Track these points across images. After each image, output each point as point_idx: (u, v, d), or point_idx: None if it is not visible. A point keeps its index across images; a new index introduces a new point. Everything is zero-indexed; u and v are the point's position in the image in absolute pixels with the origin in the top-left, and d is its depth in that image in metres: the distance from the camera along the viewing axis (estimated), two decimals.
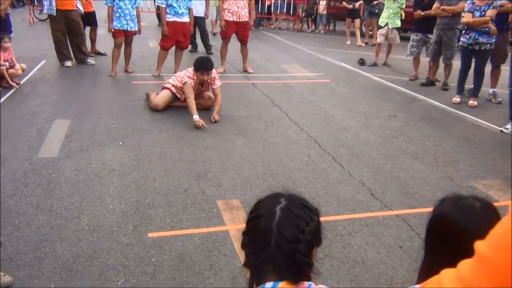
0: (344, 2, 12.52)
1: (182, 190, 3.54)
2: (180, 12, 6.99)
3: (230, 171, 3.92)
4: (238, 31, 7.69)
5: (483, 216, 1.20)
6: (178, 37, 7.12)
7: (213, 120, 5.24)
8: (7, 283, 2.36)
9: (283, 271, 1.07)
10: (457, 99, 6.61)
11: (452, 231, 1.21)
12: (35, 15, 13.54)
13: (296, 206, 1.14)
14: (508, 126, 5.41)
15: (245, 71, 7.97)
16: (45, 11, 7.71)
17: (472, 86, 6.65)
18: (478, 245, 0.65)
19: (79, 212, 3.15)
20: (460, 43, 6.52)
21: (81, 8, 7.69)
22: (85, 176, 3.70)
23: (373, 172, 4.08)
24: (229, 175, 3.85)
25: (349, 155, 4.45)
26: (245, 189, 3.61)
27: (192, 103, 5.19)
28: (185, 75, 5.35)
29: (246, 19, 7.63)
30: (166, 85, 5.66)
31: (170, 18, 7.01)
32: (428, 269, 1.23)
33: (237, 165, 4.05)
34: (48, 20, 7.65)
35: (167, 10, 6.98)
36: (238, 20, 7.55)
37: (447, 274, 0.73)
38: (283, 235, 1.08)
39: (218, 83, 5.46)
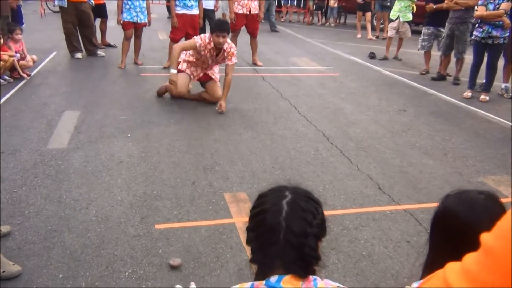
0: None
1: (190, 182, 3.55)
2: (189, 4, 6.98)
3: (238, 164, 3.93)
4: (248, 23, 7.68)
5: (487, 208, 1.19)
6: (187, 29, 7.08)
7: (219, 110, 5.21)
8: (16, 272, 2.39)
9: (291, 265, 1.07)
10: (468, 93, 6.54)
11: (456, 224, 1.20)
12: (48, 7, 13.61)
13: (302, 199, 1.13)
14: None
15: (254, 64, 7.95)
16: (56, 2, 7.76)
17: (484, 81, 6.57)
18: (484, 237, 0.64)
19: (88, 203, 3.18)
20: (473, 37, 6.44)
21: (92, 0, 7.72)
22: (93, 168, 3.73)
23: (381, 166, 4.05)
24: (237, 168, 3.86)
25: (358, 149, 4.42)
26: (252, 182, 3.61)
27: (177, 54, 5.25)
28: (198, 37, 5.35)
29: (256, 12, 7.61)
30: (180, 67, 5.55)
31: (179, 10, 6.99)
32: (433, 264, 1.22)
33: (245, 158, 4.05)
34: (59, 12, 7.67)
35: (177, 2, 6.97)
36: (248, 12, 7.55)
37: (451, 267, 0.72)
38: (292, 229, 1.07)
39: (234, 60, 5.33)
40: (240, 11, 7.55)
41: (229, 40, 5.35)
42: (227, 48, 5.29)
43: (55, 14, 12.32)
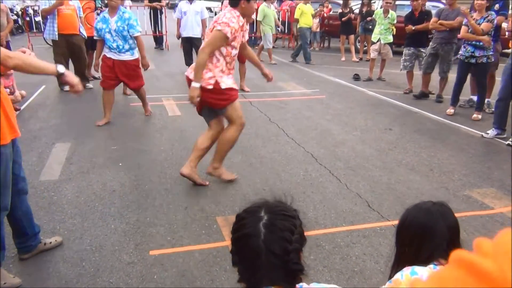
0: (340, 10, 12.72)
1: (182, 208, 3.60)
2: (114, 46, 5.63)
3: (229, 188, 3.99)
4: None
5: (441, 213, 1.51)
6: (120, 77, 5.82)
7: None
8: (17, 284, 2.51)
9: (279, 281, 1.11)
10: (451, 110, 6.71)
11: (417, 228, 1.51)
12: (45, 40, 13.59)
13: (278, 218, 1.15)
14: (489, 131, 5.65)
15: (242, 89, 8.10)
16: (46, 35, 7.82)
17: (466, 98, 6.76)
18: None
19: (81, 232, 3.21)
20: (458, 55, 6.62)
21: (84, 32, 7.85)
22: (86, 198, 3.76)
23: (369, 184, 4.14)
24: (228, 192, 3.92)
25: (346, 168, 4.52)
26: (244, 205, 3.63)
27: (203, 62, 3.62)
28: (219, 23, 3.63)
29: (246, 39, 7.76)
30: (225, 85, 3.79)
31: (107, 52, 5.76)
32: (398, 266, 1.52)
33: (236, 182, 4.12)
34: (51, 46, 7.77)
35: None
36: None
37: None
38: (272, 251, 1.10)
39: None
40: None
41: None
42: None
43: (45, 47, 12.47)
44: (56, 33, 7.41)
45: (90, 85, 8.07)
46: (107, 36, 5.64)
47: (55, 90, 7.75)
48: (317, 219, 3.46)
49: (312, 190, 3.98)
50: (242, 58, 7.96)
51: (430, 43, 7.44)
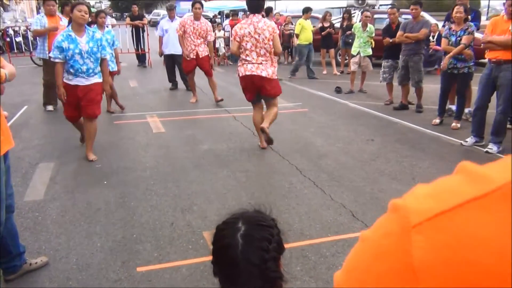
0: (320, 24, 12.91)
1: (169, 224, 3.61)
2: (83, 69, 4.84)
3: (215, 203, 4.01)
4: (199, 66, 8.23)
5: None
6: (81, 103, 4.98)
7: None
8: (44, 263, 2.85)
9: None
10: (436, 120, 6.84)
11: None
12: (32, 60, 13.46)
13: (255, 228, 1.19)
14: (468, 139, 5.79)
15: (216, 101, 8.35)
16: (37, 55, 7.95)
17: (451, 106, 6.93)
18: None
19: (67, 252, 3.19)
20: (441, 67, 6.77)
21: None
22: (71, 217, 3.75)
23: (353, 194, 4.21)
24: (214, 206, 3.94)
25: (330, 179, 4.59)
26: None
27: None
28: (274, 28, 5.35)
29: (206, 54, 8.18)
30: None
31: (70, 80, 4.89)
32: None
33: (222, 196, 4.15)
34: (39, 65, 7.83)
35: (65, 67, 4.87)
36: (194, 57, 8.13)
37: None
38: (250, 261, 1.13)
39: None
40: (192, 55, 8.10)
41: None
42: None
43: (29, 67, 12.40)
44: (47, 53, 7.47)
45: None
46: (76, 57, 4.75)
47: (38, 110, 7.71)
48: (303, 230, 3.51)
49: (297, 202, 4.03)
50: (207, 72, 8.17)
51: (400, 56, 7.64)
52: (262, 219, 1.23)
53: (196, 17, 8.00)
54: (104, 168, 4.91)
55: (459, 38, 6.38)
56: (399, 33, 7.49)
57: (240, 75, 5.52)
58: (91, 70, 4.89)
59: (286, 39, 15.13)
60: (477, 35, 7.72)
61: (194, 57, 8.10)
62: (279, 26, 14.90)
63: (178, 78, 9.93)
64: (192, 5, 8.10)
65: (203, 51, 8.11)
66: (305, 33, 11.19)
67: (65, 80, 4.89)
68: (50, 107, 7.70)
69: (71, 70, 4.81)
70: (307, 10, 11.47)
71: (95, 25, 7.15)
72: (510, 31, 5.24)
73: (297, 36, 11.38)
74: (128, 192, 4.25)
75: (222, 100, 8.28)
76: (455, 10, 6.39)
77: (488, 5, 38.52)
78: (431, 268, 0.35)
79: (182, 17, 9.42)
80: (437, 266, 0.35)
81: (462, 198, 0.37)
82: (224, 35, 14.49)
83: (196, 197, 4.13)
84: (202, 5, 8.23)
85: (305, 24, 11.25)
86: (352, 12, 13.66)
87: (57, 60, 4.81)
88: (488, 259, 0.33)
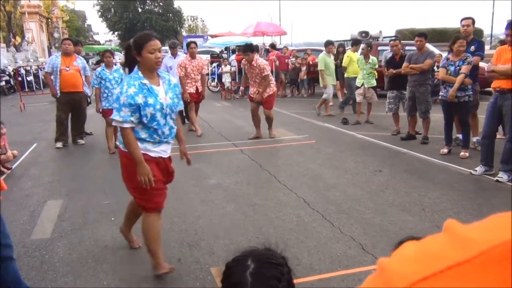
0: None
1: (176, 260, 3.57)
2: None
3: (222, 238, 3.97)
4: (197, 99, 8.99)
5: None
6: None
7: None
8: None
9: None
10: (444, 150, 6.81)
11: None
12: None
13: (264, 266, 1.18)
14: (477, 168, 5.73)
15: (191, 130, 8.92)
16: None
17: (459, 135, 6.93)
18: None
19: None
20: (440, 96, 6.82)
21: (87, 90, 8.29)
22: (78, 255, 3.72)
23: (362, 227, 4.15)
24: (222, 241, 3.90)
25: (338, 212, 4.54)
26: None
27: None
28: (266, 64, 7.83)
29: (201, 89, 8.96)
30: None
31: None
32: None
33: (229, 231, 4.11)
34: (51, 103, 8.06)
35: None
36: (195, 91, 8.84)
37: None
38: None
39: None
40: (190, 90, 8.72)
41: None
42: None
43: (34, 107, 12.64)
44: (58, 91, 7.70)
45: (82, 141, 8.14)
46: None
47: (47, 148, 7.80)
48: (312, 264, 3.44)
49: (305, 236, 3.98)
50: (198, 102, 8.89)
51: (407, 87, 7.68)
52: (272, 257, 1.22)
53: (193, 56, 8.73)
54: (112, 204, 4.91)
55: (458, 68, 6.43)
56: (405, 64, 7.57)
57: None
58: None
59: (296, 73, 15.14)
60: (482, 64, 7.78)
61: (194, 91, 8.77)
62: (287, 59, 15.13)
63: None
64: (187, 46, 9.07)
65: (200, 86, 8.90)
66: (353, 65, 10.15)
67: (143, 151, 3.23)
68: (59, 144, 7.80)
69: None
70: (356, 43, 10.57)
71: (103, 64, 7.34)
72: None
73: (345, 69, 10.40)
74: (134, 228, 4.21)
75: (201, 134, 8.68)
76: (458, 43, 6.45)
77: (491, 34, 38.91)
78: None
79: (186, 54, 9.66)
80: None
81: (444, 264, 0.37)
82: (230, 70, 14.72)
83: (203, 232, 4.10)
84: (196, 45, 9.10)
85: (353, 56, 10.27)
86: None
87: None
88: None
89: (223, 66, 14.58)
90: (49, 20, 44.46)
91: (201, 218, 4.44)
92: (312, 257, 3.57)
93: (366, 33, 15.31)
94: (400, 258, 0.41)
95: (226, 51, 20.49)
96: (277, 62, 15.05)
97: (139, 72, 3.15)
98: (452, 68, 6.51)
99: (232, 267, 1.22)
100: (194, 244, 3.85)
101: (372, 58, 9.29)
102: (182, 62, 8.72)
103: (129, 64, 3.27)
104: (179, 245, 3.84)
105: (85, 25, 76.39)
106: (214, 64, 16.88)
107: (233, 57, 15.76)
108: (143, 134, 3.19)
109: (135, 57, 3.13)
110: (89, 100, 8.74)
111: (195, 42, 9.09)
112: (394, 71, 7.90)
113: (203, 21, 73.43)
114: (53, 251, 3.80)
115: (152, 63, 3.12)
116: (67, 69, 7.78)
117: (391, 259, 0.41)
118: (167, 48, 10.99)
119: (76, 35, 50.26)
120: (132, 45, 3.14)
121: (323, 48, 11.32)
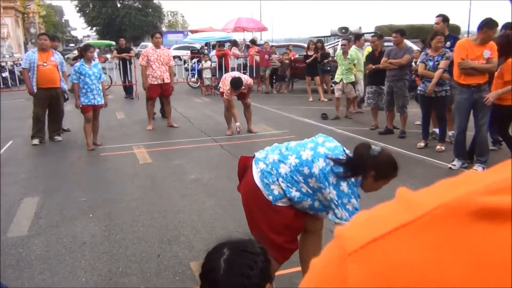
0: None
1: (155, 255, 3.56)
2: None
3: (202, 232, 3.98)
4: (162, 92, 8.83)
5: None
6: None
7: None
8: None
9: None
10: (421, 144, 6.94)
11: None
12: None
13: (238, 254, 1.23)
14: (455, 162, 5.87)
15: (170, 126, 8.89)
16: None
17: (435, 129, 7.06)
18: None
19: None
20: (418, 91, 6.94)
21: (65, 86, 8.18)
22: (55, 252, 3.68)
23: None
24: (201, 236, 3.91)
25: None
26: None
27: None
28: None
29: (168, 81, 8.78)
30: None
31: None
32: None
33: (209, 226, 4.12)
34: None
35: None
36: (162, 82, 8.65)
37: None
38: (230, 285, 1.17)
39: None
40: (155, 82, 8.59)
41: None
42: None
43: (12, 102, 12.38)
44: (35, 87, 7.56)
45: (59, 138, 8.01)
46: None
47: (23, 145, 7.66)
48: (291, 257, 3.47)
49: None
50: (166, 96, 8.85)
51: (385, 82, 7.79)
52: (248, 246, 1.25)
53: (157, 46, 8.71)
54: (90, 201, 4.86)
55: (436, 63, 6.55)
56: (384, 59, 7.67)
57: None
58: None
59: (285, 68, 15.01)
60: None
61: (161, 82, 8.63)
62: (269, 55, 15.09)
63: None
64: (152, 36, 9.04)
65: (167, 78, 8.72)
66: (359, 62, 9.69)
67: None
68: (36, 141, 7.65)
69: None
70: (358, 37, 10.28)
71: (82, 59, 7.22)
72: (484, 57, 5.43)
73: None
74: (114, 224, 4.20)
75: (177, 126, 8.87)
76: (436, 39, 6.56)
77: (468, 31, 39.61)
78: None
79: (170, 48, 9.64)
80: None
81: (392, 225, 0.38)
82: (210, 65, 14.64)
83: (183, 227, 4.10)
84: (161, 35, 9.11)
85: (359, 53, 9.77)
86: (335, 41, 13.93)
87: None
88: (415, 286, 0.34)
89: (203, 62, 14.50)
90: (25, 15, 43.53)
91: (180, 213, 4.43)
92: None
93: (346, 29, 15.43)
94: (352, 224, 0.43)
95: (206, 47, 20.39)
96: (258, 58, 15.04)
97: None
98: (431, 63, 6.62)
99: (211, 254, 1.28)
100: (173, 239, 3.84)
101: (351, 54, 9.36)
102: (145, 51, 8.74)
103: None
104: (159, 241, 3.83)
105: (63, 20, 75.01)
106: (194, 60, 16.78)
107: (213, 52, 15.68)
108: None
109: None
110: (66, 96, 8.61)
111: (160, 32, 9.22)
112: (374, 66, 8.00)
113: (183, 16, 72.98)
114: (30, 249, 3.74)
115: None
116: (45, 64, 7.64)
117: (344, 226, 0.43)
118: (149, 43, 10.94)
119: (53, 31, 49.32)
120: None
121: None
